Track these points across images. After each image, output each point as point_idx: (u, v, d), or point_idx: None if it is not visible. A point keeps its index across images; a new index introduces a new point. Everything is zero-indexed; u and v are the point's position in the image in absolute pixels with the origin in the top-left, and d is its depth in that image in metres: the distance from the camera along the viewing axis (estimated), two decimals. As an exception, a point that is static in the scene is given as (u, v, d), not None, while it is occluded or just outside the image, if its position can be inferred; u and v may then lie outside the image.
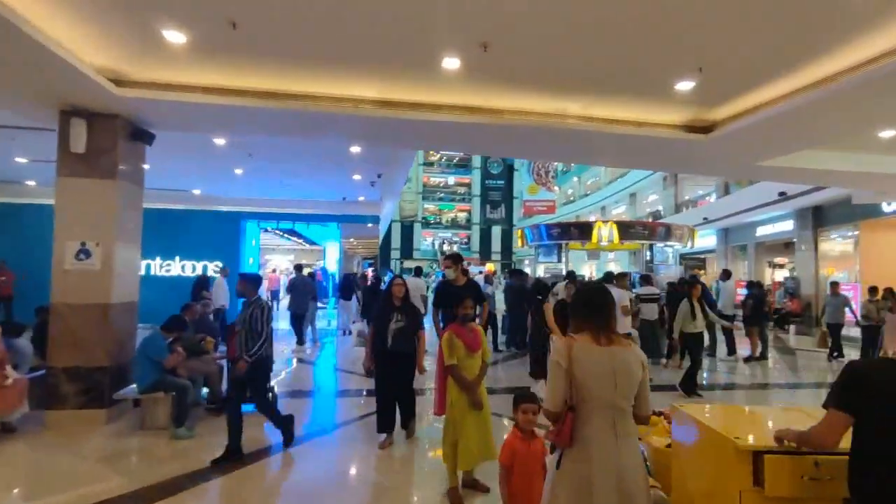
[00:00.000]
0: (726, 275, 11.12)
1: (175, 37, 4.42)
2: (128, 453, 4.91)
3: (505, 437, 3.93)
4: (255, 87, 5.46)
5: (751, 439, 2.17)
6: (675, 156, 7.18)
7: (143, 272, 12.61)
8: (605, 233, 11.56)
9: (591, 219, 30.44)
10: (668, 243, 12.66)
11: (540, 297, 6.62)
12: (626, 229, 11.99)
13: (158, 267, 13.66)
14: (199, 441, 5.17)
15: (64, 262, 5.57)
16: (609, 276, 10.32)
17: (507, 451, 2.87)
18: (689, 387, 7.10)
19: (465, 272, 5.63)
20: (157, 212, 12.11)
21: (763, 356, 10.58)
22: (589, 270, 27.60)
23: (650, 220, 24.21)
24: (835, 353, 10.79)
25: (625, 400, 2.12)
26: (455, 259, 5.44)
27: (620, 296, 7.22)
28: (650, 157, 7.56)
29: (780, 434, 2.12)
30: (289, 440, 5.03)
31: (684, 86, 5.23)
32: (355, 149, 8.35)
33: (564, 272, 15.22)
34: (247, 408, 6.27)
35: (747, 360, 10.46)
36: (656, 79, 5.16)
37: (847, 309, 10.74)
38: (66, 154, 5.62)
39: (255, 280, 5.05)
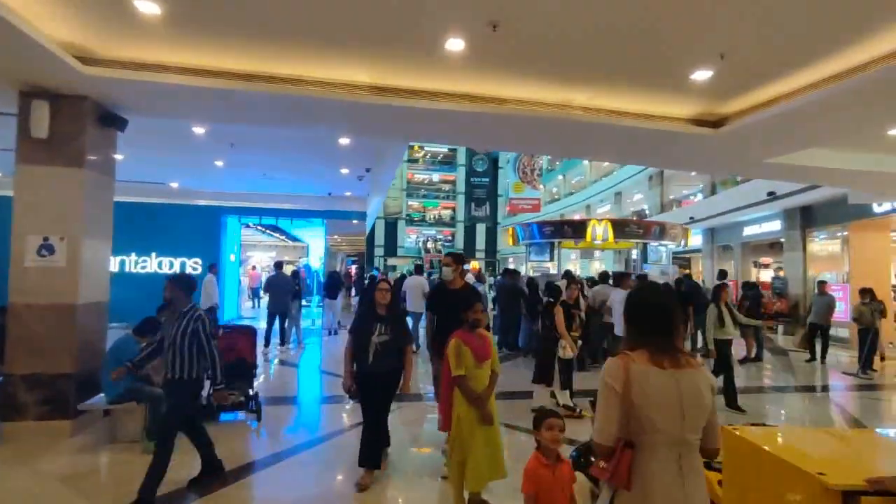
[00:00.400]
0: (722, 275, 10.95)
1: (148, 7, 3.95)
2: (95, 471, 4.44)
3: (510, 450, 3.63)
4: (239, 69, 5.00)
5: (840, 476, 1.83)
6: (681, 151, 6.91)
7: (116, 269, 12.07)
8: (599, 231, 11.30)
9: (576, 217, 30.40)
10: (662, 242, 12.46)
11: (552, 300, 6.26)
12: (621, 228, 11.75)
13: (133, 264, 12.99)
14: (175, 455, 4.67)
15: (24, 258, 5.04)
16: (605, 276, 10.05)
17: (530, 481, 2.51)
18: (732, 401, 6.57)
19: (464, 274, 5.14)
20: (132, 205, 11.51)
21: (758, 357, 10.44)
22: (573, 269, 27.47)
23: (634, 217, 24.17)
24: (812, 356, 10.61)
25: (694, 433, 1.76)
26: (457, 259, 4.90)
27: (624, 298, 6.90)
28: (655, 153, 7.27)
29: (886, 483, 1.75)
30: (208, 473, 4.19)
31: (701, 75, 4.93)
32: (344, 140, 7.92)
33: (552, 271, 14.95)
34: (226, 416, 5.86)
35: (742, 361, 10.30)
36: (672, 67, 4.84)
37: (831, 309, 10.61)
38: (27, 140, 5.09)
39: (188, 284, 4.08)
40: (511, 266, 19.98)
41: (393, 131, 6.65)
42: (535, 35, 4.30)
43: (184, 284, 4.04)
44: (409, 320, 10.69)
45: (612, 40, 4.38)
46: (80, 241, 5.17)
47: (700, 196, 22.29)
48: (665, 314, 1.85)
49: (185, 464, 4.53)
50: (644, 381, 1.74)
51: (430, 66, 4.96)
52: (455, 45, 4.42)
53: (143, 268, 12.85)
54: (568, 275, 9.12)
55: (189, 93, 5.13)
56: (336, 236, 25.06)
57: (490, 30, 4.10)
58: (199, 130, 7.58)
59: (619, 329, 7.45)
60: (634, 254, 22.26)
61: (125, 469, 4.42)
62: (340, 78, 5.16)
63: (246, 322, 13.52)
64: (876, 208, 12.80)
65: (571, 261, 29.32)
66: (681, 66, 4.81)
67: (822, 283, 11.07)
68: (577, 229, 11.83)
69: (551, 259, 12.28)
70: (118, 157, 6.10)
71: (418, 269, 10.72)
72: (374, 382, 4.14)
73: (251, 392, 5.91)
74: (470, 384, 3.55)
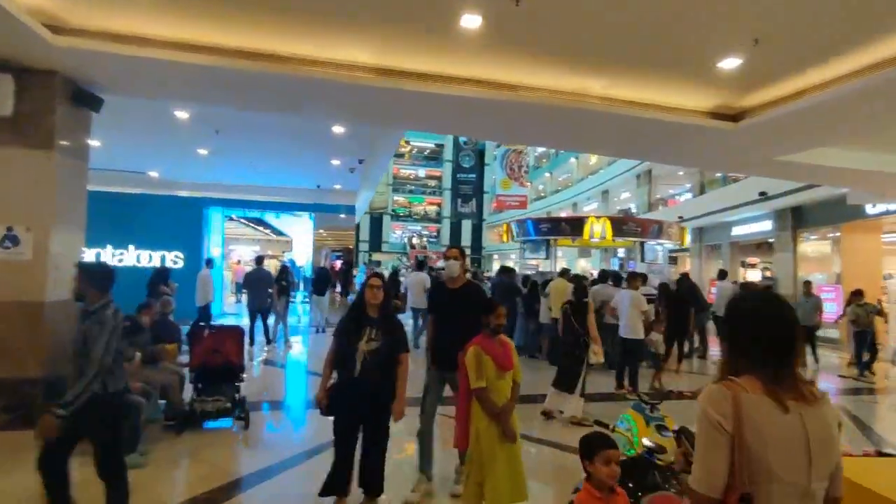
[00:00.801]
0: (722, 274, 10.76)
1: (129, -33, 3.49)
2: (62, 489, 3.96)
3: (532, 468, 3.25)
4: (228, 45, 4.55)
5: None
6: (694, 146, 6.63)
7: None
8: (597, 229, 11.03)
9: (562, 214, 30.23)
10: (660, 241, 12.26)
11: (585, 300, 5.91)
12: (619, 226, 11.50)
13: (110, 256, 12.32)
14: (155, 470, 4.24)
15: (-16, 250, 4.54)
16: (604, 275, 9.76)
17: (581, 516, 2.15)
18: None
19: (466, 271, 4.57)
20: (109, 195, 10.90)
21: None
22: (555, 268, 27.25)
23: (621, 216, 24.06)
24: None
25: (821, 481, 1.42)
26: (463, 252, 4.36)
27: (634, 299, 6.60)
28: (668, 148, 6.96)
29: None
30: None
31: (729, 63, 4.62)
32: (338, 129, 7.48)
33: (540, 269, 14.64)
34: (210, 424, 5.39)
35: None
36: (700, 53, 4.54)
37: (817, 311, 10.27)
38: (-11, 118, 4.58)
39: (101, 275, 3.12)
40: (495, 263, 19.68)
41: (395, 118, 6.24)
42: (558, 12, 3.94)
43: (94, 276, 3.08)
44: (410, 317, 10.31)
45: (639, 21, 4.05)
46: (48, 232, 4.67)
47: (689, 195, 22.29)
48: (788, 333, 1.48)
49: (167, 476, 4.12)
50: (761, 418, 1.38)
51: (440, 47, 4.57)
52: (471, 21, 4.03)
53: (121, 261, 12.20)
54: (566, 273, 8.81)
55: (173, 70, 4.66)
56: (321, 231, 24.51)
57: (512, 4, 3.72)
58: (181, 115, 7.08)
59: (624, 331, 7.10)
60: (621, 252, 22.21)
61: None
62: (341, 58, 4.74)
63: (229, 318, 12.99)
64: (869, 209, 12.77)
65: (557, 258, 29.19)
66: (709, 52, 4.50)
67: (807, 284, 10.81)
68: (574, 226, 11.54)
69: (547, 257, 11.97)
70: (94, 143, 5.59)
71: (419, 265, 10.35)
72: (359, 399, 3.41)
73: (238, 397, 5.47)
74: (491, 397, 3.19)
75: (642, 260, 12.08)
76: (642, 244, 12.05)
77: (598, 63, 4.85)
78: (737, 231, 18.76)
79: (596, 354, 5.62)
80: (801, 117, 5.44)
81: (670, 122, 5.64)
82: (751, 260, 20.44)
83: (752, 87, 5.27)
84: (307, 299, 15.08)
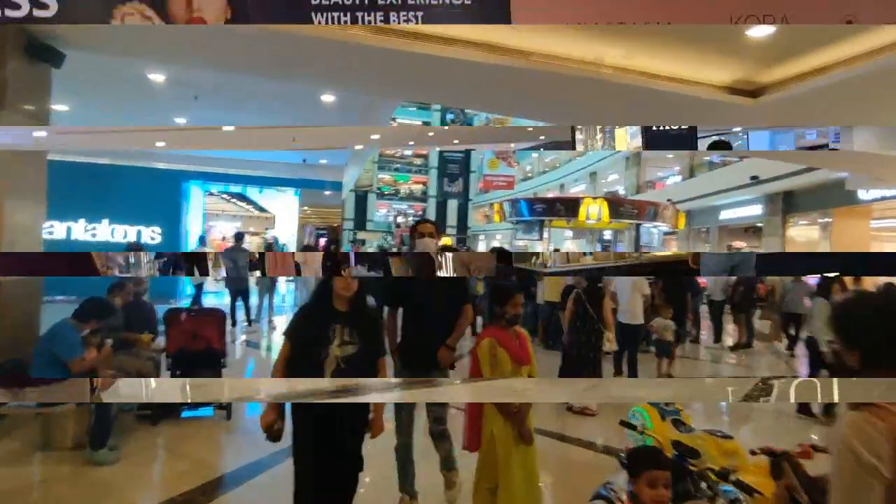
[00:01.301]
0: (719, 259, 10.58)
1: None
2: (19, 490, 3.56)
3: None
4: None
5: None
6: (708, 123, 6.30)
7: (62, 236, 10.80)
8: (593, 210, 10.74)
9: (550, 195, 29.99)
10: (655, 223, 12.04)
11: (600, 286, 5.62)
12: (616, 207, 11.23)
13: (82, 230, 11.66)
14: (128, 467, 3.87)
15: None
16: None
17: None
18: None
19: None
20: (82, 166, 10.25)
21: (748, 344, 10.18)
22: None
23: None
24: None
25: None
26: (439, 228, 3.67)
27: (637, 283, 6.34)
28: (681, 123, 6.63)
29: None
30: None
31: (759, 31, 4.26)
32: (328, 98, 6.97)
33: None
34: (189, 414, 5.01)
35: (734, 348, 10.05)
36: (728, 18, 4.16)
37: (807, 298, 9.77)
38: (-71, 71, 4.03)
39: None
40: (481, 244, 19.36)
41: (391, 85, 5.76)
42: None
43: None
44: None
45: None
46: (1, 204, 4.17)
47: (678, 178, 22.16)
48: None
49: (141, 474, 3.76)
50: None
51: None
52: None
53: (94, 235, 11.56)
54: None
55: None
56: (305, 208, 23.84)
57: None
58: (156, 78, 6.50)
59: (623, 315, 6.83)
60: (607, 234, 22.09)
61: (60, 487, 3.57)
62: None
63: (210, 296, 12.50)
64: (863, 195, 12.68)
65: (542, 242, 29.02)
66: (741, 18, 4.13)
67: None
68: (569, 207, 11.23)
69: (541, 238, 11.68)
70: (59, 107, 5.05)
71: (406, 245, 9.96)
72: (328, 416, 2.56)
73: (219, 384, 5.09)
74: (507, 394, 2.87)
75: (637, 242, 11.87)
76: (637, 226, 11.82)
77: (616, 29, 4.45)
78: (725, 215, 18.70)
79: (609, 342, 5.37)
80: (823, 95, 5.15)
81: (686, 95, 5.30)
82: (737, 244, 20.39)
83: (775, 61, 4.94)
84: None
